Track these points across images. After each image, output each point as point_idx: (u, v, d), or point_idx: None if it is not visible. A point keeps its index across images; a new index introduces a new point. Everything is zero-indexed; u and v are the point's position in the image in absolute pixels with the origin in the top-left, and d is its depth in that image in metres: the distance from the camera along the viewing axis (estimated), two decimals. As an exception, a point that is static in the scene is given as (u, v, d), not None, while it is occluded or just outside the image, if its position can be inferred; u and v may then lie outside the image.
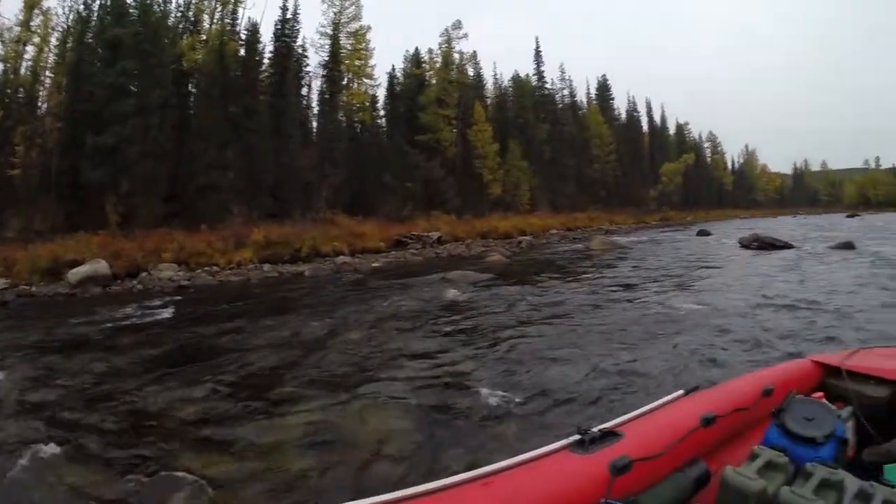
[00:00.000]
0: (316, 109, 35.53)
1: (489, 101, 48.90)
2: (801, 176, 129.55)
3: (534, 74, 53.29)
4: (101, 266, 15.08)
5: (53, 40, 26.15)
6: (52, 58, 26.06)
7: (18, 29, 24.78)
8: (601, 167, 58.87)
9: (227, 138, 24.88)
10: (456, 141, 40.74)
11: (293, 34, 32.01)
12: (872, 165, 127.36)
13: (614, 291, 11.44)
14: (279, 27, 31.41)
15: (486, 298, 11.02)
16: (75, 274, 14.57)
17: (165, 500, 3.42)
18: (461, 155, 40.87)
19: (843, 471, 1.66)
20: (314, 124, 35.38)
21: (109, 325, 9.85)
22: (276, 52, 31.06)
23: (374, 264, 19.78)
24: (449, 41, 43.37)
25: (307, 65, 34.12)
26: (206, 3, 30.24)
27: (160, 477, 3.66)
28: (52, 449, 4.19)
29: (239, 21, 30.96)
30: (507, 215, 37.97)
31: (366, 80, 36.54)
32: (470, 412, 4.62)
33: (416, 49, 44.86)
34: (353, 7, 34.36)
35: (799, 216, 78.67)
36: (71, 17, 26.36)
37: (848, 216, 66.55)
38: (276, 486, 3.61)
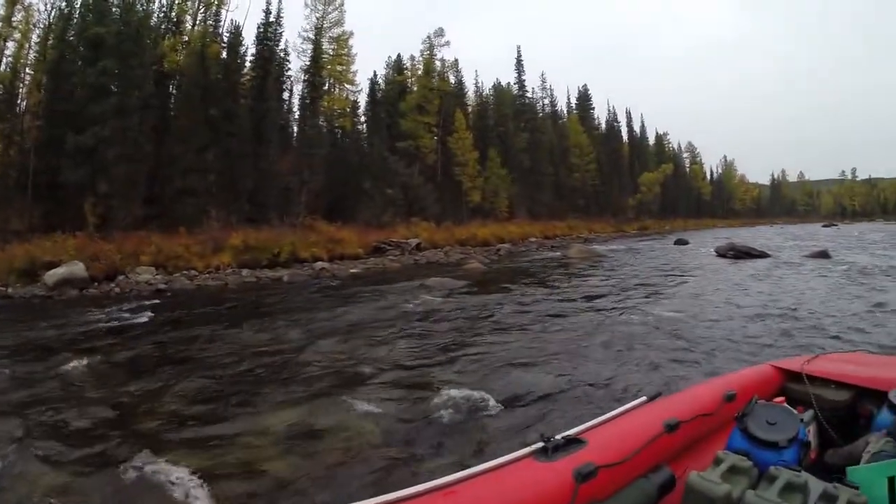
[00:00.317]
0: (297, 114, 35.46)
1: (470, 108, 49.08)
2: (778, 186, 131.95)
3: (515, 83, 53.88)
4: (78, 268, 14.88)
5: (34, 37, 25.88)
6: (32, 55, 25.70)
7: (0, 24, 24.50)
8: (580, 176, 59.41)
9: (206, 141, 24.66)
10: (436, 148, 40.94)
11: (276, 38, 31.78)
12: (849, 176, 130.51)
13: (588, 300, 11.62)
14: (262, 30, 31.19)
15: (462, 306, 11.16)
16: (52, 276, 14.37)
17: (141, 498, 3.51)
18: (441, 162, 41.09)
19: (807, 473, 1.69)
20: (294, 129, 35.31)
21: (86, 328, 9.80)
22: (258, 55, 30.82)
23: (352, 270, 19.85)
24: (431, 48, 43.59)
25: (289, 69, 33.94)
26: (188, 4, 30.08)
27: (136, 476, 3.72)
28: (26, 451, 4.21)
29: (222, 23, 30.93)
30: (486, 223, 38.24)
31: (347, 86, 36.60)
32: (440, 417, 4.72)
33: (399, 55, 45.24)
34: (337, 12, 34.24)
35: (776, 226, 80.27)
36: (53, 13, 26.06)
37: (824, 226, 68.33)
38: (251, 483, 3.70)
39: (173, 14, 29.83)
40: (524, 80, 53.87)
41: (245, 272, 18.14)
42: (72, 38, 24.63)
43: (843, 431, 2.38)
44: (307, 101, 33.70)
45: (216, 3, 30.42)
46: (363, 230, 26.70)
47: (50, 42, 25.40)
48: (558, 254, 26.69)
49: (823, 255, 20.67)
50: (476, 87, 52.56)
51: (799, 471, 1.69)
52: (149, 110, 23.82)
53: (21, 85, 25.32)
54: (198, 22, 30.45)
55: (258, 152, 26.99)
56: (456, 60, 47.99)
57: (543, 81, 61.53)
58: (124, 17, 24.31)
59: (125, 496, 3.56)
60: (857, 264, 17.88)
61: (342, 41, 34.72)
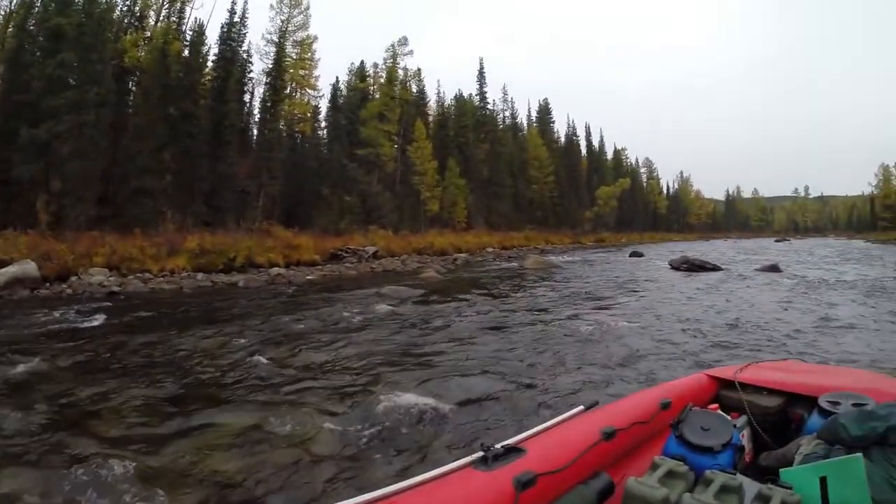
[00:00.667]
0: (257, 117, 35.10)
1: (431, 118, 49.53)
2: (733, 202, 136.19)
3: (476, 94, 54.48)
4: (30, 267, 14.48)
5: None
6: None
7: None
8: (539, 188, 60.32)
9: (164, 141, 24.39)
10: (396, 156, 41.08)
11: (239, 38, 31.55)
12: (802, 194, 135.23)
13: (539, 311, 11.69)
14: (225, 30, 30.86)
15: (415, 314, 11.21)
16: (2, 275, 13.93)
17: (88, 499, 3.48)
18: (400, 171, 41.27)
19: (742, 476, 1.77)
20: (254, 132, 34.97)
21: (37, 329, 9.60)
22: (221, 55, 30.48)
23: (308, 277, 19.75)
24: (394, 56, 43.84)
25: (251, 71, 33.78)
26: (153, -1, 29.69)
27: (84, 476, 3.68)
28: None
29: (185, 20, 30.74)
30: (444, 232, 38.46)
31: (309, 91, 36.76)
32: (385, 424, 4.75)
33: (362, 62, 45.37)
34: (302, 16, 34.23)
35: (730, 240, 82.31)
36: (14, 1, 25.71)
37: (777, 241, 70.86)
38: (200, 484, 3.71)
39: (137, 8, 29.64)
40: (486, 92, 54.74)
41: (200, 276, 17.87)
42: (32, 27, 24.25)
43: (775, 436, 2.48)
44: (268, 105, 33.32)
45: (181, -1, 30.08)
46: (320, 237, 26.57)
47: (10, 31, 24.99)
48: (514, 264, 26.80)
49: (774, 268, 21.19)
50: (438, 96, 53.14)
51: (734, 473, 1.77)
52: (107, 106, 23.41)
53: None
54: (161, 18, 30.35)
55: (216, 154, 26.78)
56: (419, 69, 48.50)
57: (505, 94, 62.61)
58: (87, 8, 23.91)
59: (71, 496, 3.53)
60: (806, 277, 18.58)
61: (306, 45, 34.82)
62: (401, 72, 44.52)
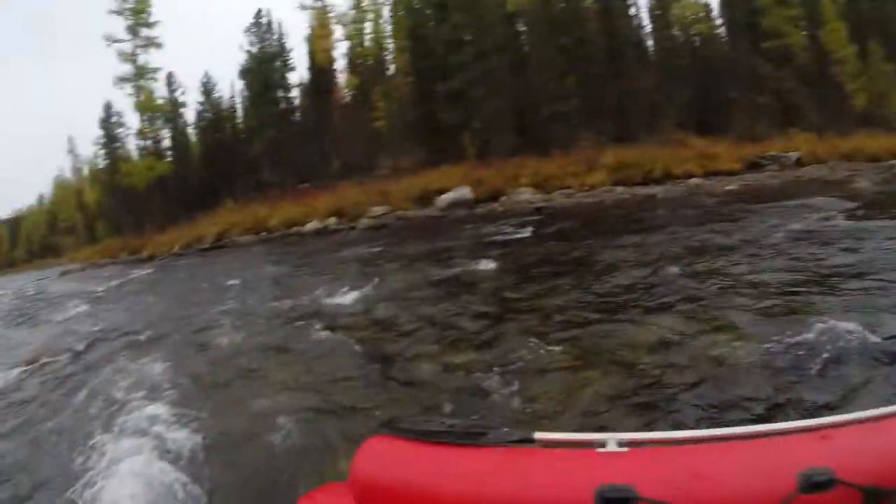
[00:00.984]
0: (649, 28, 33.10)
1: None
2: None
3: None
4: (465, 192, 17.07)
5: (385, 12, 31.63)
6: (388, 27, 31.42)
7: (353, 12, 31.75)
8: None
9: (563, 69, 24.99)
10: (806, 45, 35.14)
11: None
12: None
13: None
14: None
15: (846, 231, 8.38)
16: (443, 200, 16.86)
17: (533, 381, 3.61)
18: (815, 61, 35.13)
19: None
20: (650, 43, 33.07)
21: (476, 240, 10.87)
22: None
23: (728, 187, 18.10)
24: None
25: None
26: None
27: (525, 361, 3.93)
28: (433, 330, 5.02)
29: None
30: (874, 133, 31.66)
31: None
32: (813, 348, 3.53)
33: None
34: None
35: None
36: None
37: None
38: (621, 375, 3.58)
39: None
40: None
41: (620, 189, 18.29)
42: (417, 5, 28.35)
43: None
44: (657, 13, 31.63)
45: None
46: (736, 143, 24.35)
47: (400, 13, 29.85)
48: None
49: None
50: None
51: None
52: (505, 51, 25.28)
53: (385, 52, 31.73)
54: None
55: (616, 72, 26.35)
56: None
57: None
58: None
59: (508, 367, 3.80)
60: None
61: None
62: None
